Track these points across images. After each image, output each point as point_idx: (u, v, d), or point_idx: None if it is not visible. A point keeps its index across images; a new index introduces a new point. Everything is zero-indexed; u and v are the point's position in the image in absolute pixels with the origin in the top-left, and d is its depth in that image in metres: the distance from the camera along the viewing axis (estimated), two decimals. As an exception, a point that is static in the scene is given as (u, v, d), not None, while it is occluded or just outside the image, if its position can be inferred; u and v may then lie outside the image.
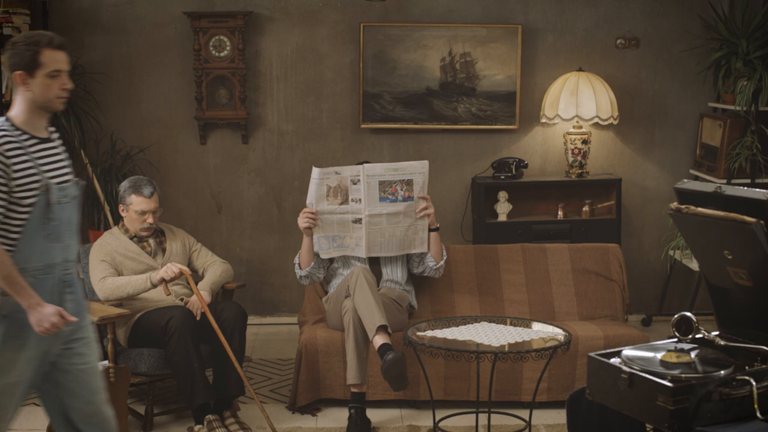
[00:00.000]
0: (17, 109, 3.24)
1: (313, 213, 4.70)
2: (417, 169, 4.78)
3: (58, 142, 3.35)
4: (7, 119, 3.21)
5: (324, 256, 4.83)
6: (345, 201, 4.71)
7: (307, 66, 6.13)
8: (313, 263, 4.82)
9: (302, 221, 4.72)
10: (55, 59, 3.20)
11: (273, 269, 6.29)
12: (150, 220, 4.73)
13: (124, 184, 4.79)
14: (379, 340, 4.37)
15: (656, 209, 6.29)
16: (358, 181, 4.69)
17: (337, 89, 6.17)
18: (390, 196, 4.74)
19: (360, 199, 4.70)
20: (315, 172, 4.68)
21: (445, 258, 4.95)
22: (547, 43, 6.19)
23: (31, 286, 3.14)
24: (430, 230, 4.87)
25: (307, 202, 4.74)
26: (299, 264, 4.85)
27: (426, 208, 4.82)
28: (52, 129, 3.35)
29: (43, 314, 3.11)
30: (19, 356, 3.16)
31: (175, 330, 4.43)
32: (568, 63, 6.16)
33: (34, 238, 3.16)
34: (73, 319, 3.17)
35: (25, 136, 3.18)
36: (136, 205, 4.71)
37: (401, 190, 4.76)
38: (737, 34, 5.75)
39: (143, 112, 6.15)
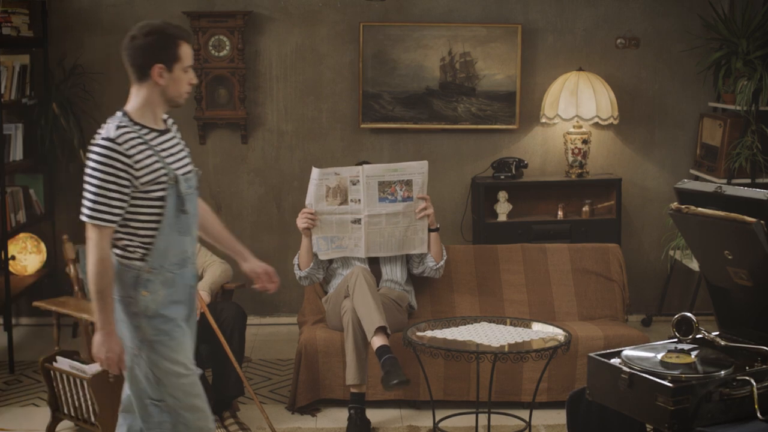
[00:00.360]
0: (135, 103, 3.11)
1: (312, 213, 4.70)
2: (416, 170, 4.78)
3: (176, 132, 3.24)
4: (125, 114, 3.09)
5: (323, 257, 4.82)
6: (344, 201, 4.71)
7: (307, 66, 6.13)
8: (312, 264, 4.81)
9: (301, 222, 4.72)
10: (189, 54, 3.11)
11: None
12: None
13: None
14: (377, 342, 4.36)
15: (656, 209, 6.29)
16: (358, 181, 4.69)
17: (336, 89, 6.16)
18: (389, 197, 4.74)
19: (359, 200, 4.70)
20: (314, 172, 4.67)
21: (445, 258, 4.94)
22: (547, 42, 6.18)
23: (169, 281, 3.09)
24: (429, 230, 4.87)
25: (306, 202, 4.73)
26: (298, 265, 4.85)
27: (425, 209, 4.81)
28: (166, 117, 3.23)
29: (108, 345, 3.01)
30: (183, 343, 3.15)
31: (174, 330, 4.42)
32: (568, 63, 6.15)
33: (171, 233, 3.09)
34: (117, 370, 3.08)
35: (144, 130, 3.07)
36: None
37: (401, 190, 4.75)
38: (737, 34, 5.75)
39: (143, 112, 6.13)
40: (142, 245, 3.07)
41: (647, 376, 2.57)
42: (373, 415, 4.64)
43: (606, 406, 2.76)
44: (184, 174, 3.14)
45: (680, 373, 2.57)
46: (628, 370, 2.62)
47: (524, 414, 4.49)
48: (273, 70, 6.13)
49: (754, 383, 2.54)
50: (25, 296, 5.81)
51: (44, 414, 4.61)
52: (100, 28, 6.04)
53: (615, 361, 2.70)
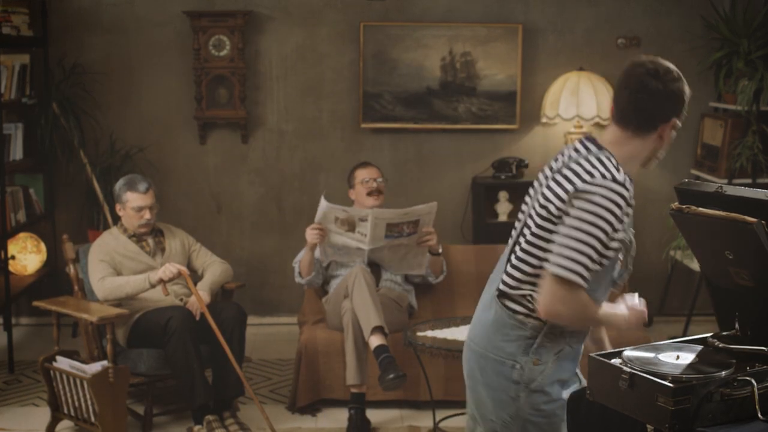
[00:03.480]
0: (622, 150, 2.81)
1: (321, 228, 4.69)
2: (425, 211, 4.76)
3: None
4: (611, 155, 2.80)
5: (327, 259, 4.84)
6: (351, 230, 4.71)
7: (307, 66, 6.12)
8: (313, 273, 4.82)
9: (311, 237, 4.69)
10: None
11: (273, 269, 6.28)
12: (147, 216, 4.71)
13: (119, 183, 4.78)
14: (374, 341, 4.36)
15: (657, 209, 6.28)
16: (366, 219, 4.66)
17: (337, 89, 6.15)
18: (395, 234, 4.73)
19: (365, 234, 4.68)
20: (322, 204, 4.64)
21: (444, 273, 4.98)
22: (547, 42, 6.18)
23: (564, 355, 2.75)
24: (432, 254, 4.88)
25: (316, 220, 4.72)
26: (299, 272, 4.85)
27: (428, 235, 4.79)
28: None
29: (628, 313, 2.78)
30: None
31: (174, 330, 4.42)
32: (568, 62, 6.14)
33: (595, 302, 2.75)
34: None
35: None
36: (133, 202, 4.69)
37: (407, 228, 4.75)
38: (738, 34, 5.74)
39: (143, 111, 6.14)
40: None
41: (648, 376, 2.56)
42: (374, 415, 4.63)
43: (607, 407, 2.75)
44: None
45: (681, 373, 2.56)
46: (628, 370, 2.61)
47: (525, 414, 4.48)
48: (273, 70, 6.12)
49: (755, 384, 2.53)
50: (25, 296, 5.81)
51: (44, 414, 4.61)
52: (100, 27, 6.04)
53: (615, 361, 2.69)
